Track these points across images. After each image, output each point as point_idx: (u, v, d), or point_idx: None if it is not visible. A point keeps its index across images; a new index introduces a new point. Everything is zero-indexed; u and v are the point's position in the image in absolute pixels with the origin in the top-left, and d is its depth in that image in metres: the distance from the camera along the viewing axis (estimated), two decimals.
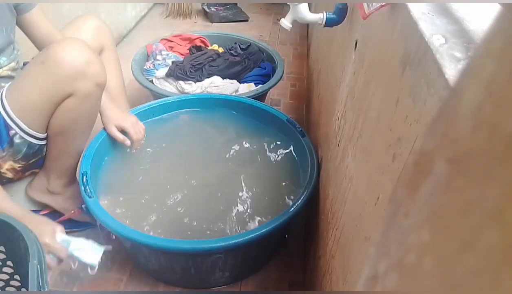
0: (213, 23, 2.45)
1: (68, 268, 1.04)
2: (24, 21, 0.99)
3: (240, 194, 1.03)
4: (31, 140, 0.93)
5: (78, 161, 1.06)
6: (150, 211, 0.98)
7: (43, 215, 1.09)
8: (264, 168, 1.12)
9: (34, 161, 0.99)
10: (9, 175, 0.98)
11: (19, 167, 0.97)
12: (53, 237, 0.83)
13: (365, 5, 0.61)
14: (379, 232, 0.20)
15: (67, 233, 1.10)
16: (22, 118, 0.90)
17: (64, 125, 0.95)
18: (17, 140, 0.92)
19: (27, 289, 0.62)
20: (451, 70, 0.33)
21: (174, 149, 1.18)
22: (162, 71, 1.52)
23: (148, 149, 1.16)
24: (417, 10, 0.44)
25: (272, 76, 1.50)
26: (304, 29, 2.36)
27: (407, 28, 0.45)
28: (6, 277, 0.79)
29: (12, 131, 0.91)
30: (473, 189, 0.13)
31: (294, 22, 0.95)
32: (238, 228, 0.95)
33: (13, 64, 0.99)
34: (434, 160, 0.16)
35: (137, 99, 1.65)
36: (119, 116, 1.09)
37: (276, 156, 1.15)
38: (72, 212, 1.07)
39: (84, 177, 0.95)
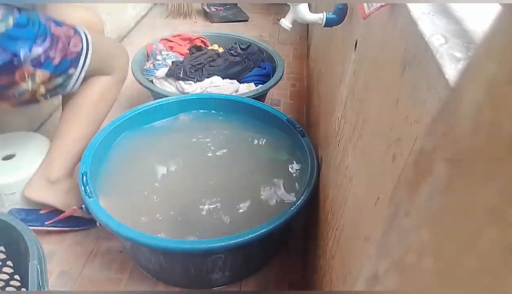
0: (213, 23, 2.45)
1: (68, 268, 1.04)
2: None
3: (240, 193, 1.03)
4: (75, 84, 0.96)
5: (82, 151, 1.06)
6: (150, 211, 0.98)
7: (44, 214, 1.09)
8: (263, 168, 1.12)
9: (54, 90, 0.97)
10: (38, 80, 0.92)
11: (47, 88, 0.94)
12: None
13: (365, 5, 0.61)
14: (379, 232, 0.20)
15: (67, 231, 1.11)
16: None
17: (86, 103, 1.02)
18: (62, 78, 0.93)
19: (27, 289, 0.62)
20: (451, 70, 0.33)
21: (173, 149, 1.18)
22: (162, 71, 1.52)
23: (148, 149, 1.16)
24: (417, 10, 0.44)
25: (272, 76, 1.50)
26: (304, 29, 2.36)
27: (407, 28, 0.45)
28: (6, 277, 0.79)
29: (72, 70, 0.94)
30: (473, 189, 0.13)
31: (294, 22, 0.95)
32: (238, 228, 0.95)
33: None
34: (434, 160, 0.16)
35: (137, 99, 1.65)
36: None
37: (276, 156, 1.15)
38: (74, 208, 1.06)
39: (84, 177, 0.95)
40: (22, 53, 0.83)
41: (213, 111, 1.30)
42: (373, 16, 0.60)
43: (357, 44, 0.76)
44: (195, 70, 1.50)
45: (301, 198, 0.92)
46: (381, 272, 0.18)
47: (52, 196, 1.07)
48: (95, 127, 1.08)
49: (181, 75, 1.47)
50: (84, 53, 0.95)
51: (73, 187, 1.08)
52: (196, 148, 1.18)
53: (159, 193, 1.03)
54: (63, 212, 1.08)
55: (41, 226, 1.07)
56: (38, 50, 0.86)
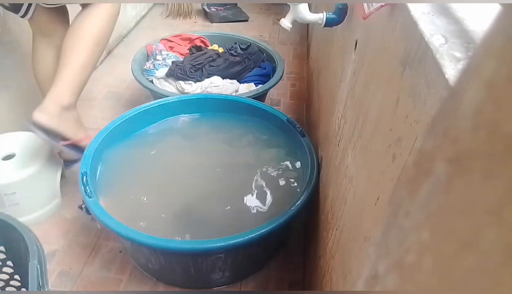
0: (213, 23, 2.45)
1: (68, 268, 1.04)
2: None
3: (240, 194, 1.03)
4: None
5: (89, 76, 1.12)
6: (150, 211, 0.98)
7: (66, 145, 1.11)
8: (263, 168, 1.12)
9: None
10: None
11: None
12: None
13: (365, 5, 0.61)
14: (379, 232, 0.20)
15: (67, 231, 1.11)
16: None
17: (89, 27, 1.07)
18: None
19: (27, 289, 0.62)
20: (451, 70, 0.33)
21: (174, 149, 1.18)
22: (162, 71, 1.52)
23: (148, 149, 1.16)
24: (417, 10, 0.44)
25: (272, 76, 1.50)
26: (304, 29, 2.36)
27: (407, 28, 0.45)
28: (6, 277, 0.79)
29: None
30: (473, 189, 0.13)
31: (294, 22, 0.95)
32: (238, 228, 0.95)
33: None
34: (434, 160, 0.16)
35: (137, 99, 1.65)
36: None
37: (276, 157, 1.15)
38: (87, 135, 1.12)
39: (84, 177, 0.95)
40: None
41: (212, 111, 1.30)
42: (373, 16, 0.60)
43: (357, 44, 0.76)
44: (195, 70, 1.50)
45: (301, 198, 0.92)
46: (381, 272, 0.18)
47: (64, 124, 1.07)
48: (100, 51, 1.12)
49: (181, 75, 1.47)
50: None
51: (79, 118, 1.15)
52: (196, 147, 1.18)
53: (159, 192, 1.03)
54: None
55: (56, 142, 1.08)
56: None
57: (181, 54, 1.68)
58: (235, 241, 0.83)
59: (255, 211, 0.99)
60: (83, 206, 0.94)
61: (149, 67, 1.59)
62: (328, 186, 0.86)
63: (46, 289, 0.65)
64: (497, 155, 0.12)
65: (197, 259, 0.92)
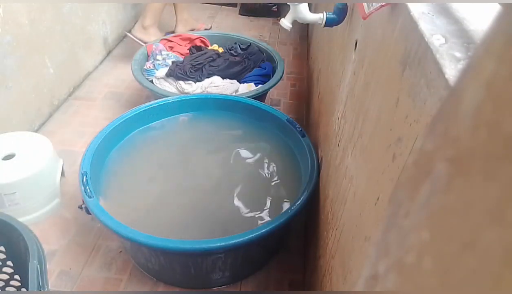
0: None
1: (68, 268, 1.04)
2: None
3: (240, 194, 1.03)
4: None
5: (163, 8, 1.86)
6: (150, 211, 0.98)
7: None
8: (264, 168, 1.12)
9: None
10: None
11: None
12: None
13: (365, 5, 0.61)
14: (379, 232, 0.20)
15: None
16: None
17: None
18: None
19: (27, 289, 0.62)
20: (451, 70, 0.33)
21: (174, 149, 1.18)
22: (162, 71, 1.52)
23: (148, 149, 1.16)
24: (417, 10, 0.44)
25: (272, 76, 1.50)
26: (304, 29, 2.36)
27: (407, 28, 0.45)
28: (6, 277, 0.79)
29: None
30: (473, 189, 0.13)
31: (294, 22, 0.95)
32: (238, 228, 0.95)
33: None
34: (434, 160, 0.16)
35: (137, 99, 1.65)
36: None
37: (276, 157, 1.15)
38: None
39: (84, 177, 0.95)
40: None
41: (212, 111, 1.30)
42: (373, 16, 0.60)
43: (357, 44, 0.75)
44: (195, 70, 1.50)
45: (301, 198, 0.92)
46: (381, 272, 0.18)
47: (145, 35, 1.86)
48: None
49: (181, 75, 1.47)
50: None
51: (157, 31, 1.91)
52: (195, 147, 1.18)
53: (159, 193, 1.03)
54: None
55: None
56: None
57: (181, 54, 1.68)
58: (235, 241, 0.83)
59: (254, 210, 0.99)
60: (83, 206, 0.94)
61: (149, 67, 1.59)
62: (328, 186, 0.86)
63: (46, 289, 0.65)
64: (497, 155, 0.12)
65: (197, 259, 0.92)
